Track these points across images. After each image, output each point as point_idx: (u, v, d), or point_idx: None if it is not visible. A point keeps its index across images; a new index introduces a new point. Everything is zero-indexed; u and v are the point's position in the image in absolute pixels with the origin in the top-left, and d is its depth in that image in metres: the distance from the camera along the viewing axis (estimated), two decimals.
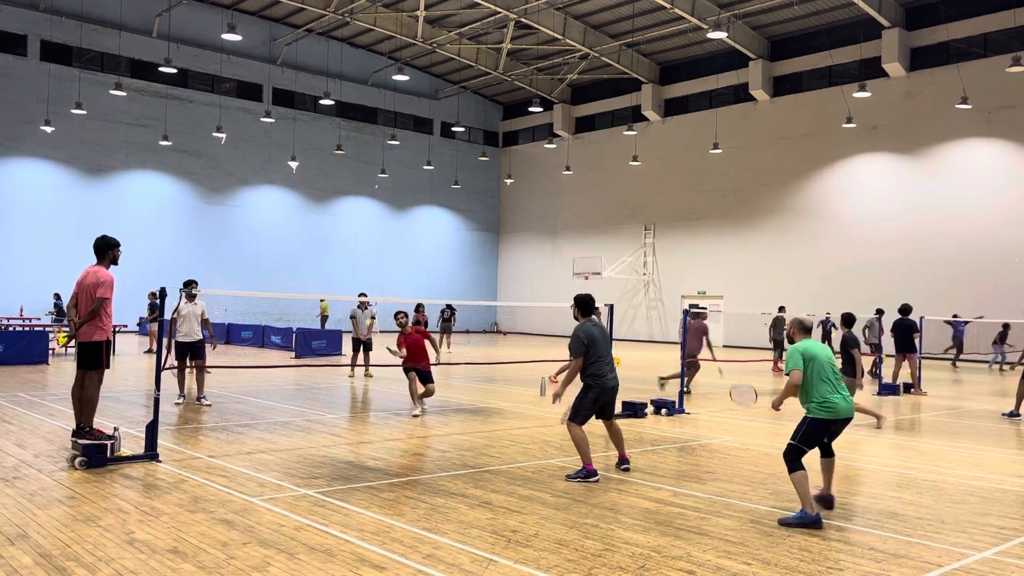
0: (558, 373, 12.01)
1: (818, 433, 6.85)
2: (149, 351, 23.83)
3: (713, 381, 19.95)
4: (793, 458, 6.74)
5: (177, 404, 13.03)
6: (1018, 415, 13.83)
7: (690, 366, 16.27)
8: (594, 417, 8.45)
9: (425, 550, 5.71)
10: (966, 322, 26.73)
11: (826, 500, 7.05)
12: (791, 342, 7.31)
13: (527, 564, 5.45)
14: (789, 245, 36.00)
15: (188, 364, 13.34)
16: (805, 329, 7.25)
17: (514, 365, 22.39)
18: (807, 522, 6.56)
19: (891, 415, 14.30)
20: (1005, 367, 25.87)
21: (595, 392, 8.30)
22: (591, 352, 8.29)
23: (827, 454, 7.09)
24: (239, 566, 5.28)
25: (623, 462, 8.68)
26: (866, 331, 21.93)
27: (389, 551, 5.66)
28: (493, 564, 5.44)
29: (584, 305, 8.56)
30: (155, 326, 24.77)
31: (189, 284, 12.37)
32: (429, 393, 13.16)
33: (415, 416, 12.58)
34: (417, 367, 13.07)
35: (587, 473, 8.15)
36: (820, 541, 6.16)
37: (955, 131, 31.13)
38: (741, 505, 7.20)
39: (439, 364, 21.68)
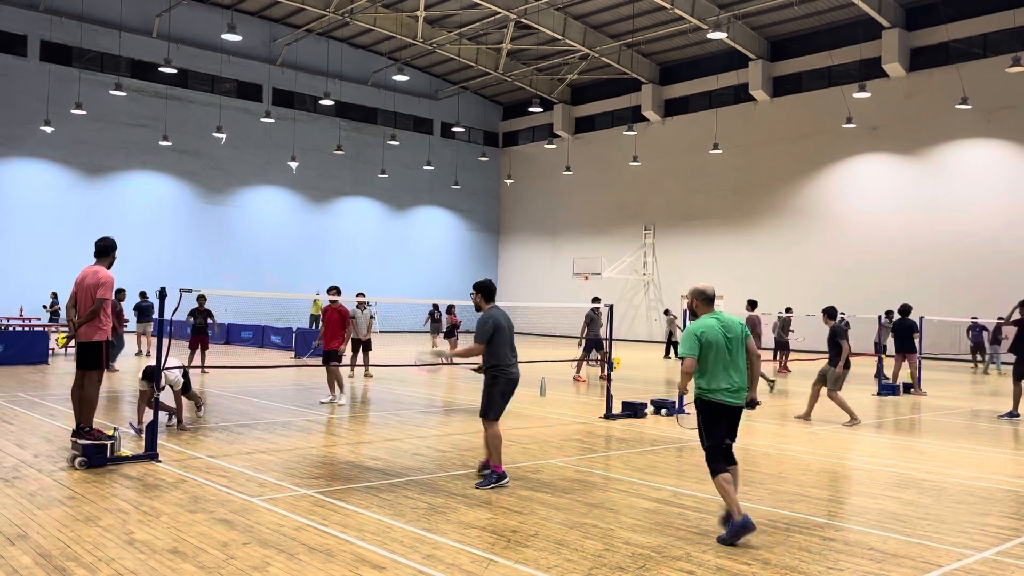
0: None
1: (718, 420, 6.25)
2: (139, 353, 23.82)
3: None
4: (713, 460, 6.21)
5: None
6: (1017, 415, 13.83)
7: None
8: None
9: (425, 550, 5.71)
10: (983, 327, 26.42)
11: (732, 520, 6.12)
12: (694, 316, 6.51)
13: (527, 564, 5.45)
14: (789, 245, 36.00)
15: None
16: (708, 300, 6.50)
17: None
18: (739, 528, 5.99)
19: (891, 415, 14.31)
20: (1003, 367, 25.88)
21: (501, 384, 7.88)
22: (495, 340, 7.86)
23: (729, 461, 6.34)
24: (239, 566, 5.28)
25: (485, 467, 8.08)
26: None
27: (389, 551, 5.66)
28: (493, 564, 5.44)
29: (487, 291, 8.10)
30: (148, 327, 24.79)
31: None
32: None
33: (341, 405, 13.30)
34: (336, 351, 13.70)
35: (498, 476, 7.78)
36: (820, 541, 6.16)
37: (955, 131, 31.13)
38: (741, 505, 7.18)
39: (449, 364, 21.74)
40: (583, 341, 19.48)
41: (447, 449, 9.77)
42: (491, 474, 7.82)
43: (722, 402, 6.29)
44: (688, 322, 6.69)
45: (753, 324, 18.13)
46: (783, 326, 23.74)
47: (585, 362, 19.45)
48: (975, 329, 26.39)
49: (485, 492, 7.48)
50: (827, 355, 13.18)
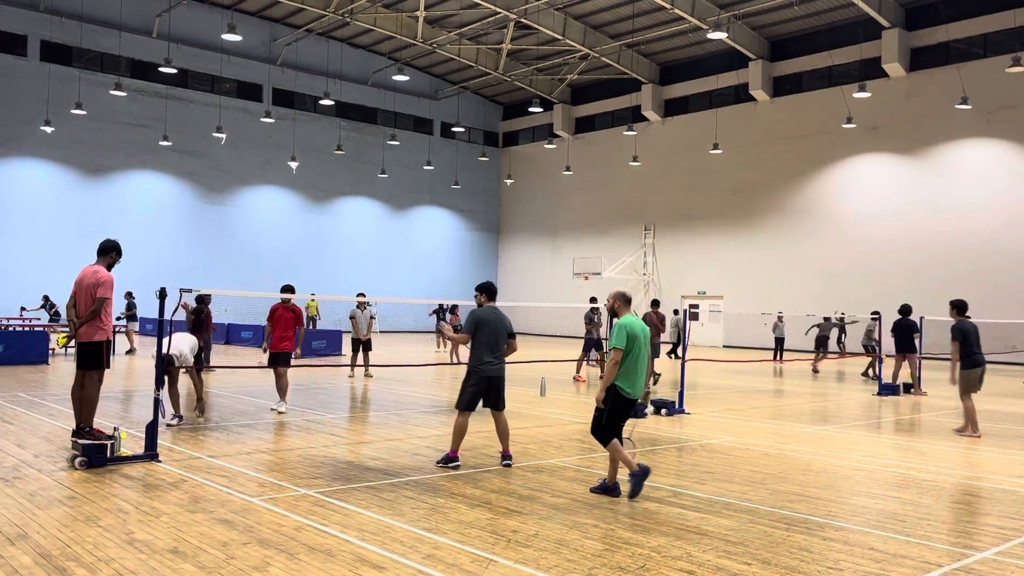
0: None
1: (626, 410, 7.26)
2: (131, 351, 23.83)
3: (713, 382, 19.96)
4: (607, 436, 7.28)
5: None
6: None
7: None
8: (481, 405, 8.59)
9: (425, 550, 5.71)
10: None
11: (609, 490, 7.38)
12: (614, 316, 7.45)
13: (527, 564, 5.45)
14: (789, 245, 36.00)
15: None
16: (627, 301, 7.50)
17: (514, 365, 22.36)
18: (608, 489, 7.30)
19: (891, 415, 14.31)
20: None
21: (474, 378, 8.43)
22: (477, 336, 8.40)
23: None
24: (239, 566, 5.28)
25: (505, 457, 8.71)
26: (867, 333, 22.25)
27: (389, 551, 5.66)
28: (493, 564, 5.44)
29: (488, 291, 8.72)
30: (134, 325, 24.81)
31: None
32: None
33: (281, 412, 12.23)
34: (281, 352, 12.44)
35: (448, 459, 8.48)
36: (820, 541, 6.17)
37: (955, 131, 31.13)
38: (741, 505, 7.19)
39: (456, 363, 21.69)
40: (587, 343, 19.50)
41: (447, 449, 9.76)
42: (445, 455, 8.57)
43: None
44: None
45: (654, 323, 18.32)
46: (822, 327, 23.82)
47: (585, 362, 19.45)
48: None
49: (485, 492, 7.49)
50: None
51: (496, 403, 8.59)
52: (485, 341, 8.39)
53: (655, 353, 17.94)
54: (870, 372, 22.02)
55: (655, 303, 19.10)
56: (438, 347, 28.48)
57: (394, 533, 6.10)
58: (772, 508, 7.14)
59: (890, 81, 32.78)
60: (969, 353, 12.05)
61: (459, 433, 8.49)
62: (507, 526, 6.37)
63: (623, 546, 5.91)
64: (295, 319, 12.55)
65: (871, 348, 23.51)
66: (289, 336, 12.44)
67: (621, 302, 7.50)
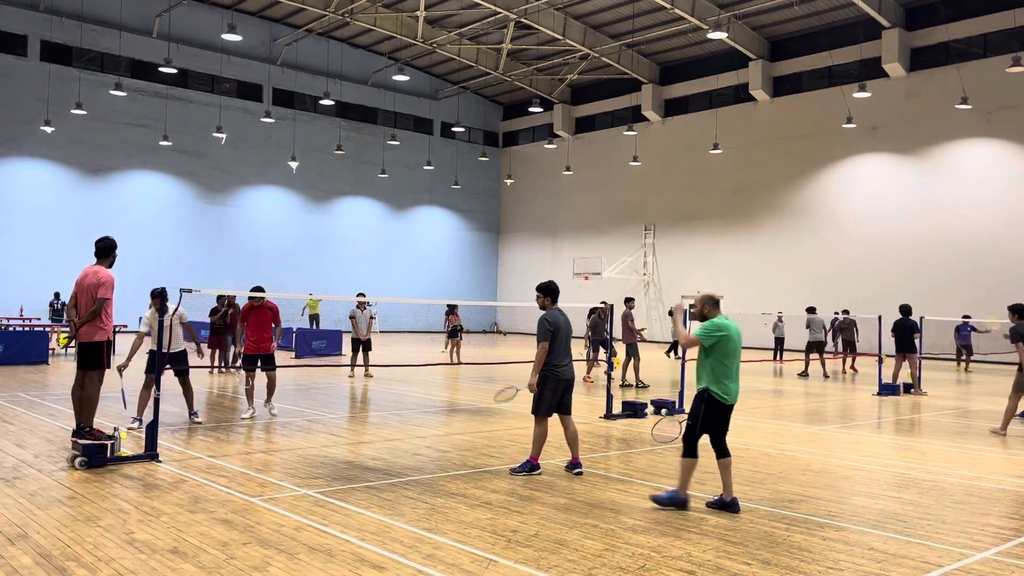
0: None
1: (712, 416, 6.96)
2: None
3: None
4: (689, 442, 6.95)
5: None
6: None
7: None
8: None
9: (425, 550, 5.71)
10: (973, 328, 26.44)
11: (727, 505, 6.94)
12: (703, 319, 7.18)
13: (527, 564, 5.45)
14: (789, 245, 36.00)
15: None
16: (716, 304, 7.22)
17: (514, 365, 22.37)
18: (677, 502, 6.91)
19: (891, 415, 14.31)
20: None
21: (552, 382, 8.25)
22: (554, 340, 8.27)
23: (723, 454, 7.04)
24: (239, 566, 5.28)
25: (574, 466, 8.42)
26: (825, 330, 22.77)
27: (389, 551, 5.66)
28: (493, 564, 5.44)
29: (552, 293, 8.55)
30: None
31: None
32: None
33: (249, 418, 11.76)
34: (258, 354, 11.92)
35: (531, 467, 8.24)
36: (820, 541, 6.16)
37: (955, 131, 31.13)
38: (741, 505, 7.19)
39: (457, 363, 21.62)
40: (594, 343, 19.51)
41: (447, 449, 9.77)
42: (526, 463, 8.29)
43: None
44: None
45: (624, 319, 18.45)
46: (845, 328, 23.98)
47: (593, 363, 19.59)
48: (964, 329, 26.42)
49: (485, 492, 7.49)
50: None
51: (566, 407, 8.43)
52: (559, 344, 8.30)
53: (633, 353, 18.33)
54: (808, 370, 22.43)
55: (628, 301, 19.16)
56: (445, 348, 28.23)
57: (394, 533, 6.10)
58: (772, 508, 7.14)
59: (890, 81, 32.77)
60: None
61: (541, 439, 8.26)
62: (507, 526, 6.37)
63: (623, 546, 5.91)
64: (273, 317, 12.08)
65: (845, 346, 23.71)
66: (268, 336, 11.98)
67: (710, 305, 7.17)
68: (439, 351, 26.60)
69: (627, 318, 18.42)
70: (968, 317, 24.76)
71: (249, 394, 12.04)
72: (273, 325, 12.08)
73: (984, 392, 19.08)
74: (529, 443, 10.21)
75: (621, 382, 17.84)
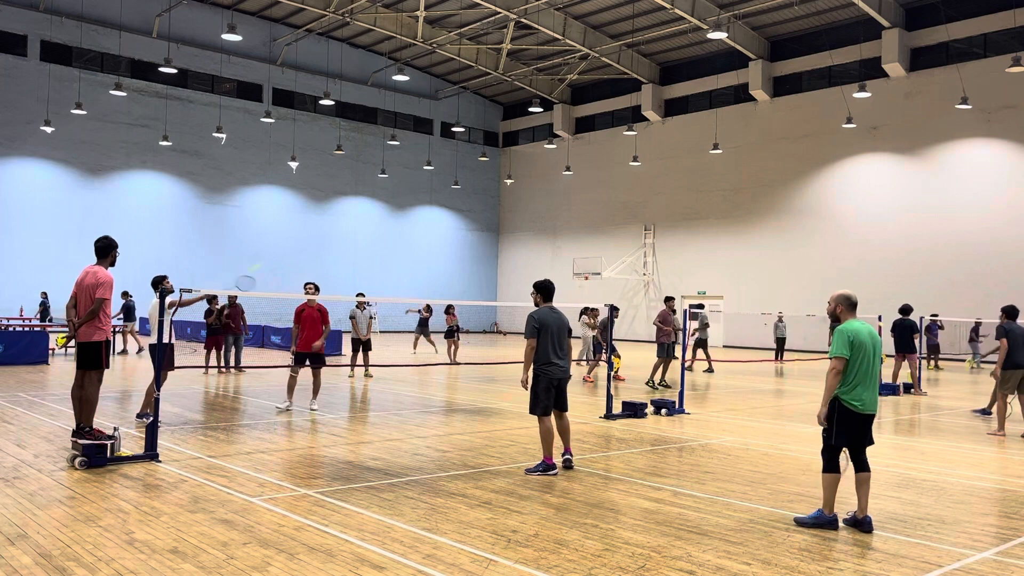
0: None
1: (845, 428, 6.41)
2: (123, 352, 23.83)
3: (713, 382, 19.96)
4: (828, 457, 6.52)
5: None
6: (990, 413, 13.88)
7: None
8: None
9: (425, 550, 5.71)
10: (941, 327, 26.39)
11: (858, 523, 6.50)
12: (836, 320, 6.66)
13: (527, 564, 5.45)
14: (789, 245, 36.01)
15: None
16: (852, 306, 6.64)
17: (514, 365, 22.38)
18: (823, 522, 6.46)
19: (891, 415, 14.31)
20: (983, 364, 26.22)
21: (543, 382, 8.29)
22: (540, 338, 8.26)
23: (861, 468, 6.57)
24: (239, 566, 5.28)
25: (566, 453, 8.60)
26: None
27: (389, 551, 5.66)
28: (493, 564, 5.44)
29: (544, 290, 8.53)
30: (134, 325, 24.84)
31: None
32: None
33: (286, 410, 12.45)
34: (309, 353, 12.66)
35: (546, 467, 8.24)
36: (820, 541, 6.16)
37: (955, 131, 31.14)
38: (741, 505, 7.19)
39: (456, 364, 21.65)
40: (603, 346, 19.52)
41: (447, 449, 9.76)
42: (541, 463, 8.30)
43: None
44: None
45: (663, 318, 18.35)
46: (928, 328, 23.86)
47: (593, 363, 19.64)
48: (932, 328, 26.07)
49: (486, 492, 7.49)
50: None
51: (561, 404, 8.51)
52: (549, 342, 8.28)
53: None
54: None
55: (668, 300, 18.98)
56: (415, 349, 27.71)
57: (394, 533, 6.10)
58: (772, 508, 7.14)
59: (890, 81, 32.78)
60: (1012, 355, 12.20)
61: (548, 437, 8.31)
62: (507, 526, 6.37)
63: (623, 546, 5.91)
64: (322, 318, 12.86)
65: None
66: (318, 335, 12.73)
67: (844, 306, 6.63)
68: (430, 351, 26.34)
69: (666, 317, 18.18)
70: (936, 316, 24.62)
71: (291, 388, 12.67)
72: (323, 327, 12.83)
73: (984, 392, 19.07)
74: (530, 443, 10.21)
75: (660, 382, 17.93)
